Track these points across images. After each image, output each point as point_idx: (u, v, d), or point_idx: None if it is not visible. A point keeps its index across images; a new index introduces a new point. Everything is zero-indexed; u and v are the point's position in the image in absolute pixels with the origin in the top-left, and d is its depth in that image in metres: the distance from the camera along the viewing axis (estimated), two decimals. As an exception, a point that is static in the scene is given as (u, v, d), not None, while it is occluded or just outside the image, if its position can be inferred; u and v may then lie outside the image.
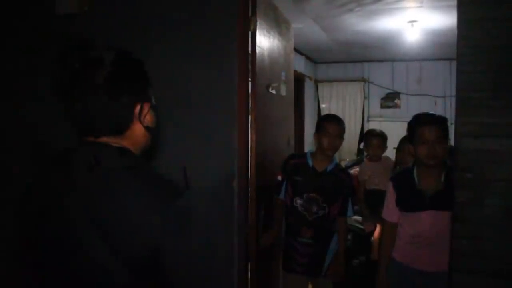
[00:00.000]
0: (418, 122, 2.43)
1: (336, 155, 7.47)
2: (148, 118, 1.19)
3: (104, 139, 1.12)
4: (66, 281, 1.08)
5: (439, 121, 2.39)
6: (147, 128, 1.18)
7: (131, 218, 1.02)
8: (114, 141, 1.13)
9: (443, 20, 4.76)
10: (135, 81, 1.16)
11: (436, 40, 5.74)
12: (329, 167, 2.92)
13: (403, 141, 3.66)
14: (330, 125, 2.89)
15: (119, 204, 1.03)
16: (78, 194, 1.05)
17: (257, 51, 2.56)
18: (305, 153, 3.02)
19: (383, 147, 4.08)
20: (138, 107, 1.15)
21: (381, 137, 4.09)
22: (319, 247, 2.90)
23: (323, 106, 8.21)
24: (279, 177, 2.95)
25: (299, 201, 2.86)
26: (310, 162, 2.91)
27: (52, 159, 1.16)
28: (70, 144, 1.15)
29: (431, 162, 2.36)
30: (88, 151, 1.10)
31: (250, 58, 2.50)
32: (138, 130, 1.17)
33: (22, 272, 1.18)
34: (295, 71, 5.51)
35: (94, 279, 1.05)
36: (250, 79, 2.52)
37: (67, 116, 1.11)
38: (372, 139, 4.10)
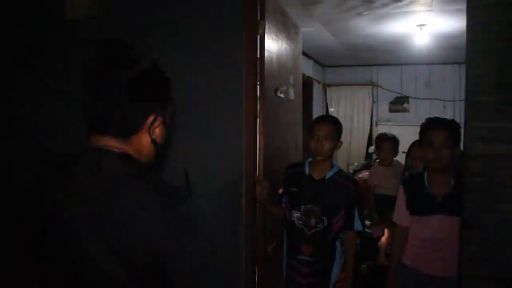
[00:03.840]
0: (427, 126, 2.45)
1: (345, 159, 7.57)
2: (158, 132, 1.19)
3: (108, 142, 1.12)
4: (68, 287, 1.09)
5: (446, 125, 2.38)
6: (153, 141, 1.19)
7: (133, 225, 1.01)
8: (117, 146, 1.13)
9: (452, 24, 4.74)
10: (157, 93, 1.18)
11: (445, 44, 5.72)
12: (328, 174, 2.59)
13: (413, 145, 3.65)
14: (316, 126, 2.59)
15: (121, 210, 1.03)
16: (81, 201, 1.05)
17: (265, 55, 2.55)
18: (304, 161, 2.73)
19: (395, 151, 4.06)
20: (151, 118, 1.16)
21: (393, 141, 4.06)
22: (321, 265, 2.56)
23: (332, 110, 8.19)
24: (280, 190, 2.71)
25: (295, 215, 2.57)
26: (307, 171, 2.63)
27: (55, 165, 1.17)
28: (74, 150, 1.15)
29: (437, 166, 2.38)
30: (90, 157, 1.10)
31: (258, 62, 2.50)
32: (144, 141, 1.17)
33: (24, 278, 1.18)
34: (304, 75, 5.51)
35: (97, 286, 1.05)
36: (258, 82, 2.52)
37: (82, 109, 1.13)
38: (384, 143, 4.07)
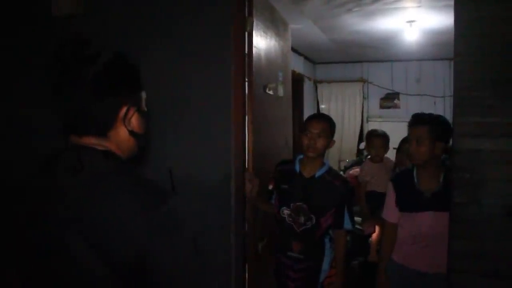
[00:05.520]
0: (409, 122, 2.50)
1: (336, 156, 7.59)
2: (134, 122, 1.17)
3: (88, 140, 1.11)
4: (53, 286, 1.07)
5: (426, 121, 2.39)
6: (131, 132, 1.17)
7: (117, 223, 1.00)
8: (98, 143, 1.12)
9: (442, 19, 4.75)
10: (124, 84, 1.15)
11: (435, 40, 5.74)
12: (318, 173, 2.59)
13: (403, 142, 3.65)
14: (310, 123, 2.60)
15: (104, 208, 1.02)
16: (63, 199, 1.04)
17: (253, 51, 2.54)
18: (294, 159, 2.74)
19: (386, 147, 4.06)
20: (123, 110, 1.14)
21: (384, 138, 4.06)
22: (311, 263, 2.58)
23: (323, 106, 8.20)
24: (270, 186, 2.73)
25: (286, 212, 2.59)
26: (298, 168, 2.63)
27: (38, 164, 1.15)
28: (56, 147, 1.14)
29: (415, 161, 2.44)
30: (72, 155, 1.09)
31: (246, 59, 2.49)
32: (122, 134, 1.15)
33: (7, 278, 1.17)
34: (294, 72, 5.51)
35: (81, 284, 1.04)
36: (246, 79, 2.51)
37: (54, 111, 1.12)
38: (375, 140, 4.07)
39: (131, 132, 1.17)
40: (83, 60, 1.08)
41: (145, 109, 1.23)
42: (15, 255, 1.15)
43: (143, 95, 1.22)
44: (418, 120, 2.43)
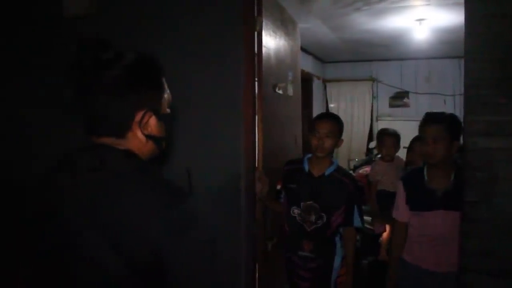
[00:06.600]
0: (422, 121, 2.46)
1: (345, 155, 7.57)
2: (152, 127, 1.17)
3: (108, 141, 1.12)
4: (69, 284, 1.08)
5: (440, 120, 2.37)
6: (149, 136, 1.16)
7: (135, 222, 1.01)
8: (119, 144, 1.12)
9: (451, 17, 4.73)
10: (143, 88, 1.14)
11: (445, 38, 5.70)
12: (328, 171, 2.60)
13: (414, 140, 3.64)
14: (318, 123, 2.61)
15: (123, 207, 1.02)
16: (83, 197, 1.05)
17: (263, 51, 2.55)
18: (303, 158, 2.75)
19: (397, 147, 4.05)
20: (140, 115, 1.13)
21: (395, 137, 4.05)
22: (322, 261, 2.59)
23: (332, 105, 8.19)
24: (279, 186, 2.73)
25: (296, 211, 2.59)
26: (306, 167, 2.64)
27: (58, 161, 1.16)
28: (76, 146, 1.15)
29: (430, 161, 2.40)
30: (93, 153, 1.10)
31: (256, 59, 2.49)
32: (139, 137, 1.15)
33: (25, 275, 1.18)
34: (303, 71, 5.50)
35: (98, 282, 1.04)
36: (256, 79, 2.51)
37: (75, 112, 1.13)
38: (386, 139, 4.05)
39: (148, 136, 1.16)
40: (103, 64, 1.09)
41: (167, 111, 1.22)
42: (34, 251, 1.16)
43: (166, 97, 1.22)
44: (433, 119, 2.40)
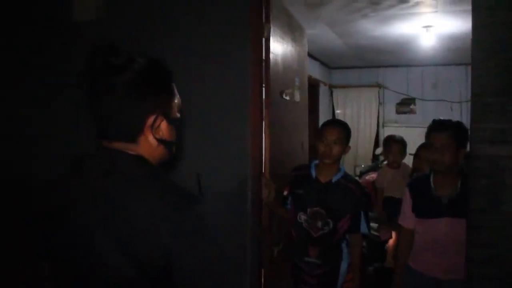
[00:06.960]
0: (429, 128, 2.46)
1: (352, 161, 7.55)
2: (163, 131, 1.17)
3: (119, 145, 1.13)
4: (81, 285, 1.10)
5: (448, 127, 2.37)
6: (160, 140, 1.17)
7: (146, 226, 1.02)
8: (130, 149, 1.13)
9: (458, 25, 4.73)
10: (155, 93, 1.15)
11: (452, 45, 5.70)
12: (335, 178, 2.58)
13: (420, 147, 3.63)
14: (326, 130, 2.60)
15: (134, 211, 1.03)
16: (94, 201, 1.06)
17: (270, 57, 2.56)
18: (310, 164, 2.73)
19: (403, 153, 4.04)
20: (151, 119, 1.14)
21: (401, 144, 4.05)
22: (328, 268, 2.57)
23: (338, 111, 8.18)
24: (285, 192, 2.71)
25: (303, 217, 2.57)
26: (313, 173, 2.62)
27: (70, 165, 1.18)
28: (88, 150, 1.16)
29: (438, 168, 2.38)
30: (104, 158, 1.11)
31: (263, 65, 2.50)
32: (151, 141, 1.16)
33: (37, 277, 1.20)
34: (310, 77, 5.51)
35: (108, 285, 1.06)
36: (263, 85, 2.53)
37: (86, 116, 1.13)
38: (392, 145, 4.05)
39: (160, 140, 1.17)
40: (115, 69, 1.09)
41: (178, 116, 1.23)
42: (47, 252, 1.18)
43: (176, 101, 1.22)
44: (439, 126, 2.40)
